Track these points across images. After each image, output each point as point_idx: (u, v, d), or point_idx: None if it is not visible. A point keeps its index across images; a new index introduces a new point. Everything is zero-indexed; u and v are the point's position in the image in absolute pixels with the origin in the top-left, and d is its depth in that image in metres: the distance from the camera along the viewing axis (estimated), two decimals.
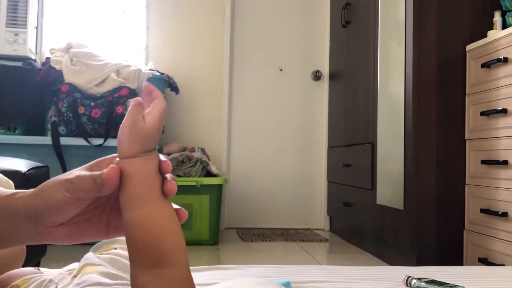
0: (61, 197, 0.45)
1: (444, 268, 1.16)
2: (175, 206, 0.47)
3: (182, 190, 2.64)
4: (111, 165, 0.45)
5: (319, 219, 3.48)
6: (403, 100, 2.11)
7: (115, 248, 0.67)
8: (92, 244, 0.65)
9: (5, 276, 0.63)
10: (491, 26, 2.04)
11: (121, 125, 0.45)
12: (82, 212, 0.48)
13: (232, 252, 2.58)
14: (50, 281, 0.60)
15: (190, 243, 2.64)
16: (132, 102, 0.46)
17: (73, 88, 2.52)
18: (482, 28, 2.05)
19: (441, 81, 2.05)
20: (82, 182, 0.45)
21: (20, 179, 1.59)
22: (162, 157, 0.48)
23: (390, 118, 2.28)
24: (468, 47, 2.03)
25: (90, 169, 0.48)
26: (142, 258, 0.44)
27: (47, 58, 2.71)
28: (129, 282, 0.53)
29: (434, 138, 2.04)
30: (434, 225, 2.01)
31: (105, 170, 0.45)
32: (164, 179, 0.46)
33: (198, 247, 2.63)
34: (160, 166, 0.47)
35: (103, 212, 0.50)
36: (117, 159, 0.46)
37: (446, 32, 2.06)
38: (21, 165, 1.68)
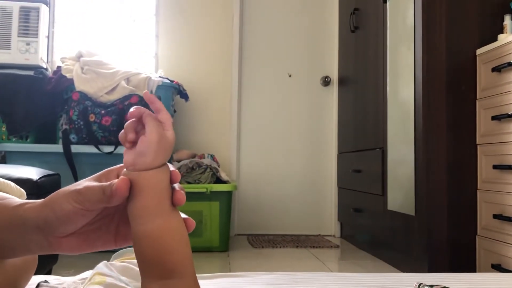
0: (70, 208, 0.45)
1: (456, 275, 1.14)
2: (182, 215, 0.48)
3: (192, 197, 2.65)
4: (121, 176, 0.46)
5: (330, 225, 3.46)
6: (413, 105, 2.10)
7: None
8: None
9: None
10: (501, 30, 2.02)
11: (145, 138, 0.45)
12: (90, 222, 0.49)
13: (243, 259, 2.58)
14: None
15: (200, 250, 2.64)
16: (148, 116, 0.46)
17: (83, 96, 2.54)
18: (492, 32, 2.03)
19: (451, 86, 2.04)
20: (91, 193, 0.45)
21: (32, 187, 1.60)
22: (171, 166, 0.48)
23: (400, 123, 2.26)
24: (478, 51, 2.02)
25: (98, 179, 0.48)
26: (151, 270, 0.44)
27: (58, 67, 2.74)
28: None
29: (445, 143, 2.02)
30: (446, 231, 1.99)
31: (114, 181, 0.46)
32: (173, 189, 0.47)
33: (209, 254, 2.63)
34: (170, 176, 0.47)
35: (111, 222, 0.50)
36: (124, 170, 0.46)
37: (455, 36, 2.05)
38: (33, 173, 1.70)
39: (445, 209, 2.00)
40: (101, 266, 0.60)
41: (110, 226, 0.50)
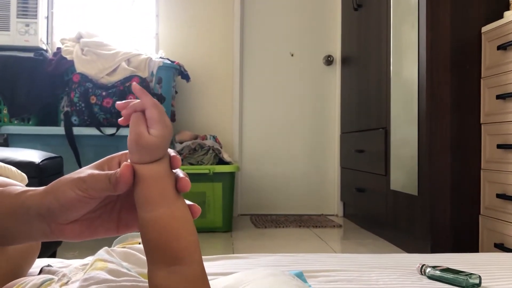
0: (74, 196, 0.45)
1: (459, 255, 1.14)
2: (188, 202, 0.48)
3: (195, 178, 2.65)
4: (125, 163, 0.46)
5: (333, 205, 3.47)
6: (417, 84, 2.08)
7: (140, 243, 0.68)
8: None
9: (8, 285, 0.64)
10: (507, 7, 1.98)
11: (129, 136, 0.45)
12: (93, 210, 0.49)
13: (246, 239, 2.59)
14: (64, 275, 0.60)
15: (204, 230, 2.66)
16: (132, 114, 0.45)
17: (84, 78, 2.53)
18: (498, 9, 1.99)
19: (456, 64, 2.01)
20: (96, 181, 0.45)
21: (34, 170, 1.60)
22: (171, 152, 0.48)
23: (403, 103, 2.24)
24: (484, 29, 1.98)
25: (100, 167, 0.48)
26: (158, 256, 0.45)
27: (58, 48, 2.71)
28: (135, 279, 0.53)
29: (449, 122, 2.01)
30: (449, 211, 1.99)
31: (118, 170, 0.45)
32: (177, 176, 0.47)
33: (212, 234, 2.65)
34: (170, 162, 0.47)
35: (113, 209, 0.51)
36: (129, 159, 0.46)
37: (460, 14, 2.01)
38: (35, 156, 1.70)
39: (448, 189, 1.99)
40: (102, 252, 0.60)
41: (112, 213, 0.50)
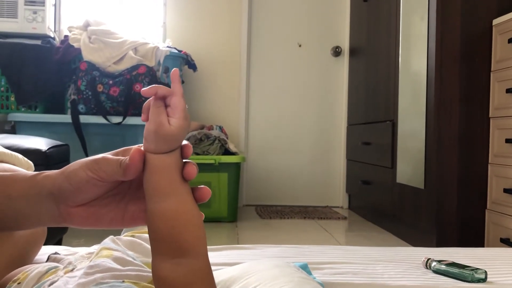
0: (84, 176, 0.46)
1: (465, 249, 1.14)
2: (199, 186, 0.48)
3: (201, 168, 2.64)
4: (136, 147, 0.46)
5: (338, 197, 3.47)
6: (425, 76, 2.06)
7: None
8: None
9: (13, 273, 0.64)
10: None
11: (147, 125, 0.45)
12: (102, 197, 0.50)
13: (251, 230, 2.60)
14: (69, 263, 0.60)
15: (209, 220, 2.66)
16: (153, 101, 0.45)
17: (91, 66, 2.53)
18: (510, 1, 1.97)
19: (465, 57, 1.99)
20: (107, 164, 0.46)
21: (40, 158, 1.61)
22: (184, 141, 0.48)
23: (411, 95, 2.23)
24: (495, 22, 1.96)
25: (115, 154, 0.49)
26: (164, 248, 0.45)
27: (66, 36, 2.71)
28: (140, 269, 0.53)
29: (457, 116, 1.99)
30: (455, 205, 1.98)
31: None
32: (184, 163, 0.47)
33: (217, 224, 2.66)
34: (182, 151, 0.47)
35: (121, 200, 0.51)
36: (143, 147, 0.47)
37: (471, 6, 1.99)
38: (42, 143, 1.71)
39: (455, 182, 1.98)
40: (108, 241, 0.60)
41: (120, 204, 0.50)
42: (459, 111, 1.99)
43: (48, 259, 0.79)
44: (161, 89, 0.46)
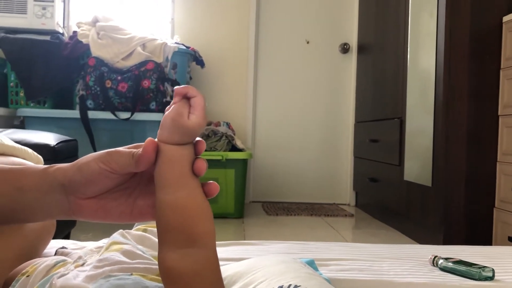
0: (96, 168, 0.47)
1: (472, 247, 1.13)
2: (208, 181, 0.49)
3: (208, 164, 2.65)
4: (149, 138, 0.47)
5: (345, 194, 3.46)
6: (434, 73, 2.05)
7: None
8: None
9: (22, 265, 0.65)
10: None
11: (167, 112, 0.46)
12: (112, 190, 0.50)
13: (257, 226, 2.60)
14: (79, 257, 0.61)
15: (215, 216, 2.66)
16: (178, 94, 0.47)
17: (100, 62, 2.54)
18: None
19: (475, 54, 1.97)
20: (120, 156, 0.47)
21: (49, 153, 1.62)
22: (198, 138, 0.49)
23: (420, 92, 2.21)
24: (505, 18, 1.94)
25: (127, 149, 0.49)
26: (172, 238, 0.45)
27: (74, 32, 2.72)
28: (149, 262, 0.53)
29: (466, 113, 1.98)
30: (462, 203, 1.97)
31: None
32: (195, 158, 0.47)
33: (224, 220, 2.66)
34: (195, 147, 0.48)
35: (131, 195, 0.51)
36: (157, 137, 0.47)
37: (481, 2, 1.97)
38: (50, 138, 1.72)
39: (462, 180, 1.97)
40: (117, 235, 0.60)
41: (129, 199, 0.51)
42: (468, 109, 1.98)
43: (56, 253, 0.80)
44: (192, 90, 0.47)
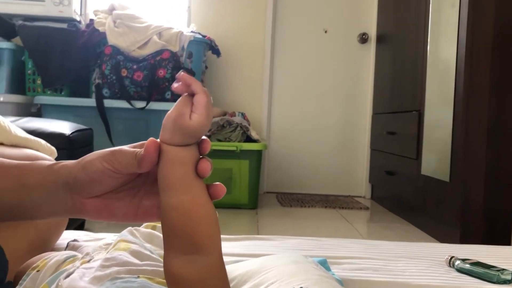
0: (99, 167, 0.46)
1: (490, 247, 1.10)
2: (213, 183, 0.47)
3: (222, 154, 2.66)
4: (151, 138, 0.45)
5: (360, 186, 3.43)
6: (455, 65, 2.00)
7: None
8: None
9: (32, 259, 0.65)
10: None
11: (168, 112, 0.44)
12: (116, 190, 0.49)
13: (271, 217, 2.60)
14: (87, 253, 0.60)
15: (229, 206, 2.67)
16: (182, 96, 0.44)
17: (116, 50, 2.53)
18: None
19: (498, 46, 1.91)
20: (123, 156, 0.46)
21: (64, 142, 1.63)
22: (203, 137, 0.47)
23: (439, 85, 2.16)
24: None
25: (133, 148, 0.49)
26: (177, 243, 0.44)
27: (91, 20, 2.72)
28: (157, 264, 0.52)
29: (487, 107, 1.93)
30: (481, 200, 1.92)
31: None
32: (200, 159, 0.46)
33: (237, 211, 2.66)
34: (200, 147, 0.46)
35: (136, 195, 0.50)
36: (159, 138, 0.46)
37: None
38: (66, 127, 1.72)
39: (482, 176, 1.93)
40: (126, 233, 0.59)
41: (134, 199, 0.50)
42: (489, 102, 1.92)
43: (67, 246, 0.79)
44: (195, 85, 0.45)
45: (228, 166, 2.67)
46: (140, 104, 2.49)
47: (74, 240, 0.83)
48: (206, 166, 0.45)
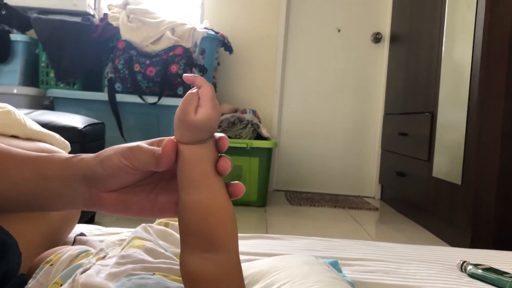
0: (117, 163, 0.46)
1: (503, 253, 1.09)
2: (233, 182, 0.47)
3: (232, 151, 2.66)
4: (169, 138, 0.46)
5: (370, 187, 3.41)
6: (470, 67, 1.97)
7: None
8: None
9: (46, 253, 0.65)
10: None
11: (176, 112, 0.44)
12: (133, 185, 0.49)
13: (279, 215, 2.59)
14: (101, 249, 0.60)
15: (238, 203, 2.67)
16: (188, 93, 0.45)
17: (129, 45, 2.54)
18: None
19: None
20: (141, 153, 0.46)
21: (76, 135, 1.64)
22: (219, 134, 0.47)
23: (453, 86, 2.14)
24: None
25: (150, 144, 0.49)
26: (194, 241, 0.44)
27: (105, 14, 2.73)
28: (171, 261, 0.52)
29: (502, 110, 1.90)
30: (493, 203, 1.90)
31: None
32: (218, 158, 0.46)
33: (246, 208, 2.66)
34: (217, 144, 0.46)
35: (152, 190, 0.50)
36: (174, 137, 0.46)
37: None
38: (78, 121, 1.73)
39: (494, 180, 1.90)
40: (140, 230, 0.59)
41: (150, 194, 0.50)
42: (504, 106, 1.90)
43: (74, 241, 0.80)
44: (198, 80, 0.45)
45: (238, 163, 2.67)
46: (151, 99, 2.50)
47: (81, 234, 0.84)
48: (226, 164, 0.45)
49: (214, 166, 0.45)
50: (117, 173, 0.47)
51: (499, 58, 1.89)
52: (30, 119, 0.88)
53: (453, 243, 2.04)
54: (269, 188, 3.15)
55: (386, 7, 3.35)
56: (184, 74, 0.46)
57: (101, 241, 0.77)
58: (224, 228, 0.44)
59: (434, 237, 2.27)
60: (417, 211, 2.59)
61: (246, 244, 1.00)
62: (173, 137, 0.47)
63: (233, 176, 2.62)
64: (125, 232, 0.69)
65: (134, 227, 0.68)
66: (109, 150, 0.48)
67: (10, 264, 0.49)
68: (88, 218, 1.82)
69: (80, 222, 1.04)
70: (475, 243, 1.88)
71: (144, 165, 0.46)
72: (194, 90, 0.45)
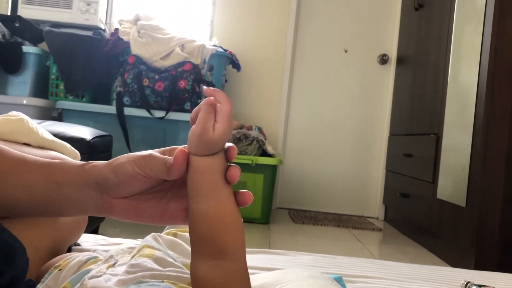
0: (130, 171, 0.47)
1: (507, 275, 1.08)
2: (241, 190, 0.48)
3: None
4: (181, 148, 0.47)
5: (374, 207, 3.40)
6: (476, 91, 1.99)
7: None
8: None
9: (54, 259, 0.66)
10: None
11: (193, 128, 0.46)
12: (144, 192, 0.50)
13: (283, 233, 2.59)
14: (111, 256, 0.61)
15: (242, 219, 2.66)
16: (204, 105, 0.46)
17: (139, 60, 2.58)
18: None
19: None
20: (154, 162, 0.47)
21: (85, 146, 1.66)
22: (228, 144, 0.48)
23: (459, 109, 2.15)
24: None
25: (162, 153, 0.50)
26: (203, 248, 0.45)
27: (116, 29, 2.78)
28: (180, 270, 0.53)
29: (507, 133, 1.91)
30: (498, 226, 1.90)
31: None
32: (227, 167, 0.47)
33: (250, 225, 2.66)
34: (226, 153, 0.47)
35: (163, 197, 0.51)
36: (186, 148, 0.47)
37: None
38: (86, 133, 1.75)
39: (499, 203, 1.90)
40: (150, 239, 0.60)
41: (161, 201, 0.51)
42: (509, 129, 1.91)
43: (69, 250, 0.81)
44: (219, 95, 0.47)
45: (243, 180, 2.68)
46: (159, 113, 2.52)
47: (75, 244, 0.85)
48: (235, 173, 0.46)
49: (224, 175, 0.46)
50: (130, 180, 0.48)
51: (504, 82, 1.91)
52: (42, 128, 0.90)
53: (457, 266, 2.03)
54: (273, 205, 3.15)
55: (393, 29, 3.39)
56: (204, 87, 0.48)
57: (94, 251, 0.78)
58: (232, 235, 0.45)
59: (437, 259, 2.25)
60: (421, 233, 2.57)
61: (250, 259, 1.00)
62: (184, 146, 0.48)
63: None
64: (135, 241, 0.70)
65: (137, 238, 0.69)
66: (121, 158, 0.49)
67: (17, 269, 0.50)
68: (93, 229, 1.82)
69: (86, 231, 1.05)
70: (479, 266, 1.87)
71: (156, 174, 0.47)
72: (205, 103, 0.46)
